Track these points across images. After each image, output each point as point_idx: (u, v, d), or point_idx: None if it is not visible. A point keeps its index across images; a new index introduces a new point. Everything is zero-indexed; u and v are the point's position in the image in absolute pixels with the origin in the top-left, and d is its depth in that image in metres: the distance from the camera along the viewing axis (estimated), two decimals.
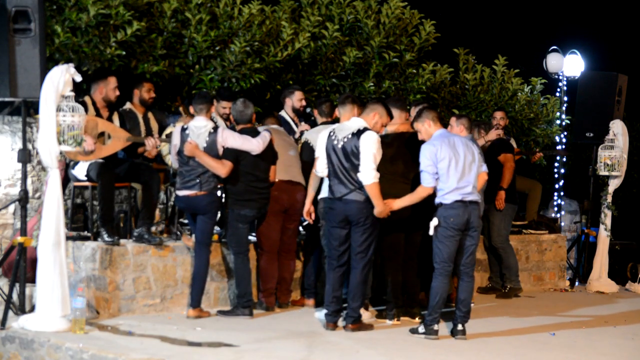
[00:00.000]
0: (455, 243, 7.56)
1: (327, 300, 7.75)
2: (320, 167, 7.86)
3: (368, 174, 7.48)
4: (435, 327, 7.55)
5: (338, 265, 7.74)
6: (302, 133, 9.08)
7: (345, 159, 7.57)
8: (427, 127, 7.69)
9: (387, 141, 8.07)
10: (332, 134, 7.74)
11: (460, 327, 7.61)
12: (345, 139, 7.59)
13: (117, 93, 8.36)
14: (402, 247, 8.30)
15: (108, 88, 8.31)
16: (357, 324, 7.68)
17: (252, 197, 8.17)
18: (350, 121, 7.74)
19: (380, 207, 7.53)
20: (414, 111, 8.84)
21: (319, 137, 7.96)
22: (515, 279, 10.17)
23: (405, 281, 8.38)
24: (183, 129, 8.04)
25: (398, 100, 8.51)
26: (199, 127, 8.00)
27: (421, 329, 7.60)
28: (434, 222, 7.57)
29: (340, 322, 7.78)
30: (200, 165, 7.94)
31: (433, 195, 7.75)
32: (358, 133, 7.56)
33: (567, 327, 8.43)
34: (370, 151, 7.49)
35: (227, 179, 8.13)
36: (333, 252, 7.75)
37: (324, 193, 8.11)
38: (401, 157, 8.16)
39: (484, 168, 7.95)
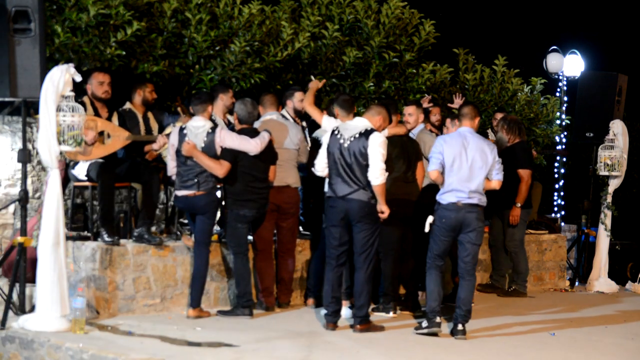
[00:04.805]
0: (447, 242, 7.70)
1: (327, 301, 7.76)
2: (321, 166, 7.87)
3: (378, 174, 7.54)
4: (437, 319, 7.64)
5: (337, 265, 7.74)
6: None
7: (352, 158, 7.58)
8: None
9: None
10: (336, 132, 7.75)
11: (460, 326, 7.61)
12: (353, 138, 7.62)
13: (105, 88, 8.32)
14: (398, 242, 8.40)
15: (93, 84, 8.31)
16: (365, 324, 7.67)
17: (251, 197, 8.17)
18: (354, 121, 7.78)
19: (385, 207, 7.61)
20: (411, 110, 8.95)
21: (323, 137, 7.98)
22: (522, 284, 10.22)
23: (402, 276, 8.58)
24: (181, 129, 8.04)
25: (390, 104, 8.60)
26: (196, 127, 8.00)
27: (424, 323, 7.69)
28: (429, 219, 7.72)
29: (341, 322, 7.80)
30: (198, 165, 7.93)
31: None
32: (366, 133, 7.60)
33: (567, 327, 8.43)
34: (379, 151, 7.55)
35: (226, 179, 8.13)
36: (332, 252, 7.75)
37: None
38: (400, 159, 8.30)
39: (499, 177, 7.81)
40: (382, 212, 7.62)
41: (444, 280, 7.99)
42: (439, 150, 7.68)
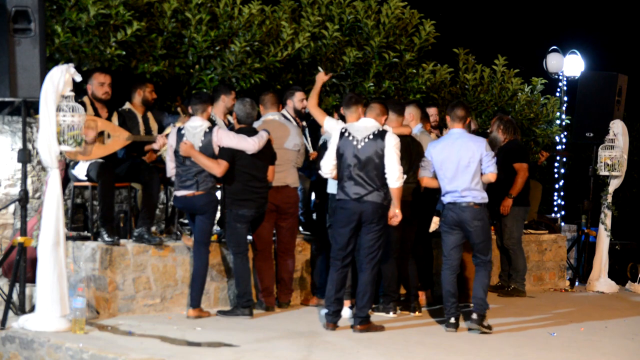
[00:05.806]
0: (451, 238, 7.86)
1: (329, 301, 7.75)
2: (328, 168, 7.83)
3: (397, 176, 7.57)
4: (452, 319, 7.83)
5: (342, 267, 7.73)
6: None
7: (367, 159, 7.57)
8: (446, 131, 8.04)
9: None
10: (347, 134, 7.70)
11: (474, 316, 7.83)
12: (367, 139, 7.60)
13: (105, 89, 8.32)
14: (397, 243, 8.44)
15: (93, 85, 8.32)
16: (365, 325, 7.68)
17: (250, 197, 8.17)
18: (361, 121, 7.76)
19: (398, 212, 7.66)
20: (409, 110, 8.96)
21: (331, 138, 7.93)
22: (520, 282, 10.24)
23: (402, 276, 8.60)
24: (179, 130, 8.04)
25: (397, 104, 8.61)
26: (194, 127, 8.00)
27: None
28: (435, 220, 7.97)
29: (341, 322, 7.81)
30: (196, 165, 7.94)
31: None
32: (380, 134, 7.60)
33: (567, 327, 8.44)
34: (396, 152, 7.59)
35: (225, 179, 8.14)
36: (338, 254, 7.74)
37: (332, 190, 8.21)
38: (402, 159, 8.28)
39: (490, 169, 7.84)
40: (392, 217, 7.65)
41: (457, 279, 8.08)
42: (427, 157, 7.95)
